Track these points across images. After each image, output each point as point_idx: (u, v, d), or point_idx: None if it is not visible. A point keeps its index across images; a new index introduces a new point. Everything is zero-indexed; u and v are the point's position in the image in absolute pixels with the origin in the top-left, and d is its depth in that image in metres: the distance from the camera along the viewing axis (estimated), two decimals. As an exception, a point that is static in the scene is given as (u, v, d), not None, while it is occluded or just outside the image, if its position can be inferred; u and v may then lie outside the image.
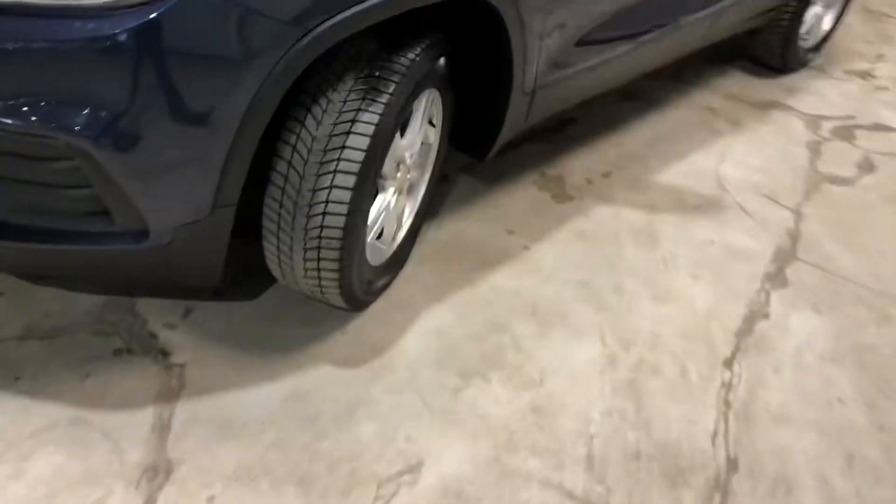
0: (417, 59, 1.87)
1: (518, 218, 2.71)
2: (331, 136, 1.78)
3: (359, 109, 1.78)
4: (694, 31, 3.06)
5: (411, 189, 2.38)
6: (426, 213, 2.53)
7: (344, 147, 1.78)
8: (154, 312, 2.18)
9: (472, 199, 2.78)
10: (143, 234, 1.55)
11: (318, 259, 1.86)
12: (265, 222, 1.86)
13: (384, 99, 1.79)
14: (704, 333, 2.35)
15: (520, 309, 2.34)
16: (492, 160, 2.50)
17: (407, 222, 2.36)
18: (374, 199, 2.05)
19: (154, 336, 2.12)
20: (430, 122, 2.29)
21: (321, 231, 1.82)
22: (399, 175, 2.14)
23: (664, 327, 2.35)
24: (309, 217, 1.81)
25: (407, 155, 2.13)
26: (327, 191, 1.79)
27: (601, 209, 2.82)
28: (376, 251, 2.19)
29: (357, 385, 2.05)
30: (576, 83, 2.57)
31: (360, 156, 1.78)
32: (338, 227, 1.82)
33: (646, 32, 2.75)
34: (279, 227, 1.85)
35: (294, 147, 1.79)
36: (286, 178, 1.81)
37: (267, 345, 2.12)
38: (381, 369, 2.10)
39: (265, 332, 2.15)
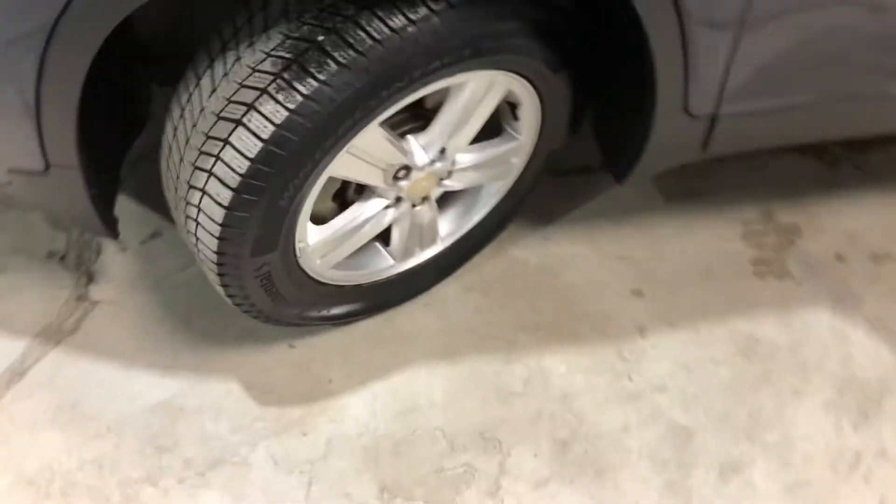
0: (427, 22, 1.11)
1: (676, 276, 1.83)
2: (219, 117, 1.15)
3: (263, 92, 1.11)
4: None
5: (460, 199, 1.64)
6: (493, 233, 1.77)
7: (226, 143, 1.14)
8: (124, 222, 1.81)
9: (608, 227, 1.92)
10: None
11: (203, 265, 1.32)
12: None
13: (308, 86, 1.09)
14: None
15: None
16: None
17: (446, 239, 1.65)
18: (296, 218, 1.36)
19: (97, 252, 1.78)
20: (514, 114, 1.50)
21: (196, 242, 1.25)
22: (406, 184, 1.42)
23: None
24: (185, 216, 1.24)
25: (418, 159, 1.39)
26: (200, 195, 1.20)
27: (840, 322, 1.78)
28: (368, 260, 1.56)
29: (247, 431, 1.54)
30: (793, 120, 1.54)
31: (242, 165, 1.14)
32: (211, 250, 1.23)
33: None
34: (175, 207, 1.32)
35: (182, 111, 1.20)
36: (169, 151, 1.24)
37: (191, 330, 1.66)
38: (296, 424, 1.54)
39: (203, 314, 1.68)
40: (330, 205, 1.44)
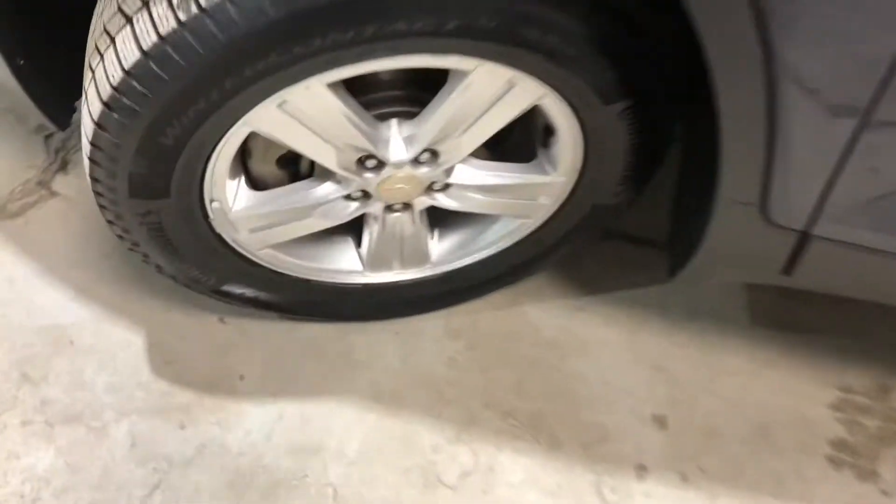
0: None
1: (719, 421, 1.36)
2: (119, 8, 0.87)
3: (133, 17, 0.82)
4: None
5: (465, 224, 1.29)
6: (503, 281, 1.40)
7: (112, 42, 0.87)
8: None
9: (660, 324, 1.48)
10: None
11: None
12: None
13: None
14: None
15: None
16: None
17: (438, 265, 1.32)
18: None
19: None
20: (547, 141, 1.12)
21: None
22: (375, 178, 1.09)
23: None
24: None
25: (393, 152, 1.06)
26: (84, 98, 0.94)
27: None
28: (330, 254, 1.26)
29: (121, 396, 1.31)
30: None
31: (116, 75, 0.87)
32: (86, 171, 0.98)
33: None
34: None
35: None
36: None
37: (127, 260, 1.43)
38: (178, 411, 1.29)
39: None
40: (272, 169, 1.13)
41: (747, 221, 0.93)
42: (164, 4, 0.81)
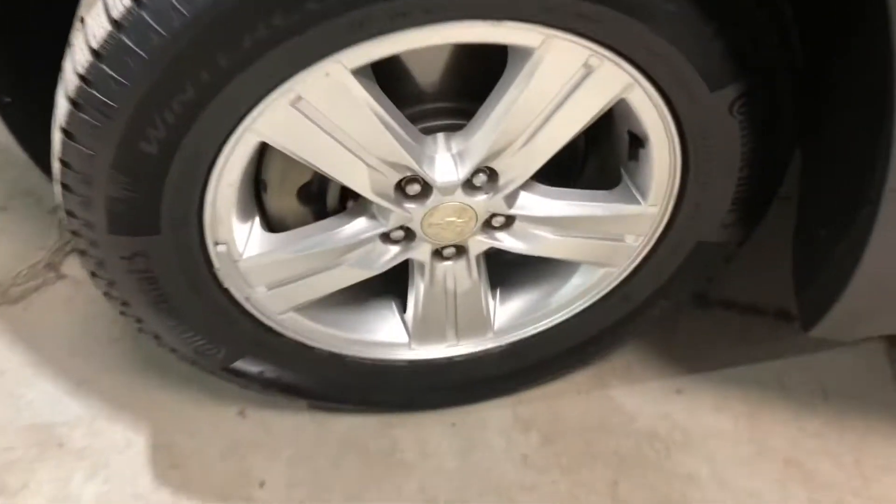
0: None
1: None
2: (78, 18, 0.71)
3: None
4: None
5: (533, 278, 1.05)
6: (586, 355, 1.14)
7: (83, 19, 0.69)
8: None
9: (786, 407, 1.17)
10: None
11: None
12: None
13: None
14: None
15: None
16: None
17: (503, 335, 1.07)
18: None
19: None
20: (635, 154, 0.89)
21: None
22: (419, 208, 0.87)
23: None
24: None
25: (440, 171, 0.84)
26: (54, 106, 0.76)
27: None
28: (367, 322, 1.03)
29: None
30: None
31: (84, 59, 0.68)
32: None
33: None
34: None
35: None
36: None
37: (136, 347, 1.23)
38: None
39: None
40: (292, 203, 0.92)
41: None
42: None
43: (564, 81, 0.77)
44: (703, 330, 1.25)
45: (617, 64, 0.76)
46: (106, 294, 0.89)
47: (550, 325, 1.06)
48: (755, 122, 0.81)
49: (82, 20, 0.69)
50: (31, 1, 0.91)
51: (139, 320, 0.92)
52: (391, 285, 1.05)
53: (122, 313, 0.92)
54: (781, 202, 0.98)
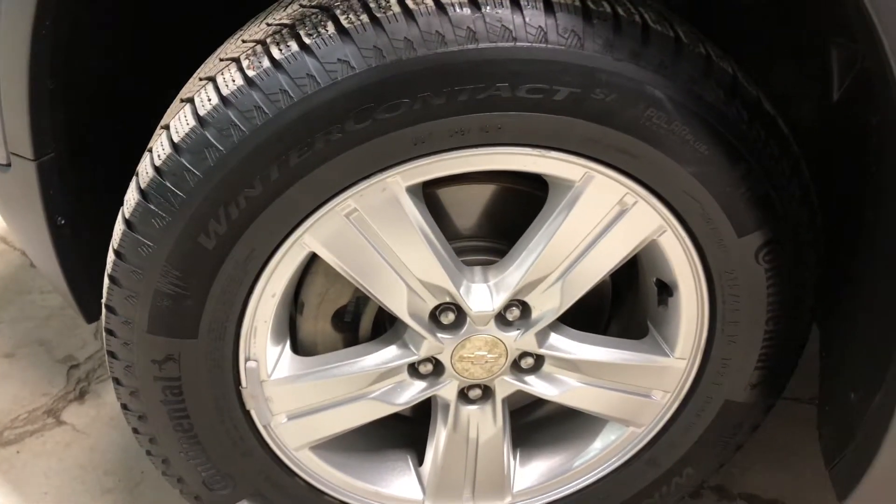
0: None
1: None
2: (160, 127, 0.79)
3: (233, 61, 0.73)
4: None
5: (558, 436, 1.02)
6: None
7: (167, 127, 0.76)
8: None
9: None
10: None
11: None
12: None
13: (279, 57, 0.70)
14: None
15: None
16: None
17: (522, 498, 1.02)
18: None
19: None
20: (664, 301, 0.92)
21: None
22: (451, 338, 0.88)
23: None
24: None
25: (475, 300, 0.86)
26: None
27: None
28: (380, 473, 0.99)
29: None
30: None
31: (163, 153, 0.74)
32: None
33: None
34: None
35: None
36: None
37: (132, 500, 1.16)
38: None
39: (156, 486, 1.17)
40: (325, 328, 0.93)
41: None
42: (234, 68, 0.71)
43: (600, 217, 0.82)
44: None
45: (651, 204, 0.81)
46: (124, 406, 0.87)
47: (572, 491, 1.02)
48: (781, 272, 0.85)
49: (166, 127, 0.76)
50: (102, 128, 0.98)
51: (152, 440, 0.88)
52: (409, 438, 1.02)
53: (134, 430, 0.89)
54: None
